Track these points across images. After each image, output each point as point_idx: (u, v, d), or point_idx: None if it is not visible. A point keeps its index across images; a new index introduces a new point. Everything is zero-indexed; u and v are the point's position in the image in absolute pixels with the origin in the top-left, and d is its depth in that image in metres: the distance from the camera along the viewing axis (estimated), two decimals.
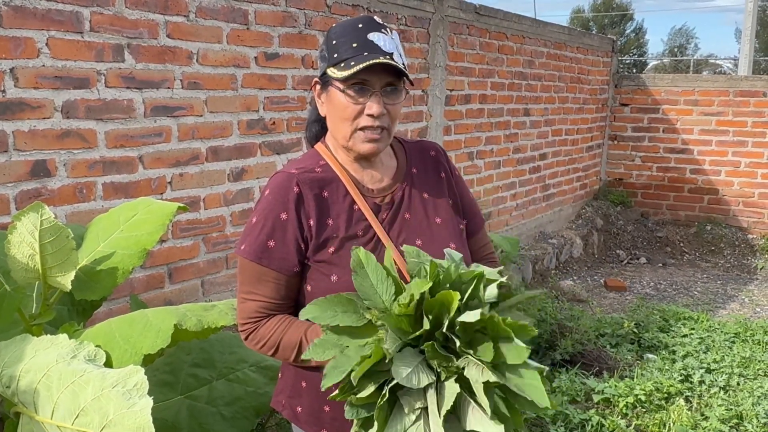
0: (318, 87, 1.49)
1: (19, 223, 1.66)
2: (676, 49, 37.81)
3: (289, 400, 1.58)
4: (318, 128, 1.60)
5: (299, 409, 1.55)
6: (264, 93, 3.53)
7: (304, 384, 1.53)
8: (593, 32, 16.65)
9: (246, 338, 1.48)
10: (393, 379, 1.13)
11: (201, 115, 3.20)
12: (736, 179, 7.49)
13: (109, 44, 2.78)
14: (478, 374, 1.12)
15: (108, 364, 1.48)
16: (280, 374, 1.64)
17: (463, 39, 5.22)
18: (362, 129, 1.42)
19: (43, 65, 2.58)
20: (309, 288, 1.45)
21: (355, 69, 1.36)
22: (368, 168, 1.52)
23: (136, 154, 2.95)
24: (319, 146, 1.55)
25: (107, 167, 2.84)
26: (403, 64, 1.42)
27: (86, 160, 2.76)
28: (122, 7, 2.81)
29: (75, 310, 2.00)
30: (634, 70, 27.80)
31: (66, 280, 1.72)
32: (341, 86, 1.41)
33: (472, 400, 1.14)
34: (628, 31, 34.41)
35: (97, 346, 1.49)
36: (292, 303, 1.48)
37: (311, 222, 1.43)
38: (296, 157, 3.77)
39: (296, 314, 1.47)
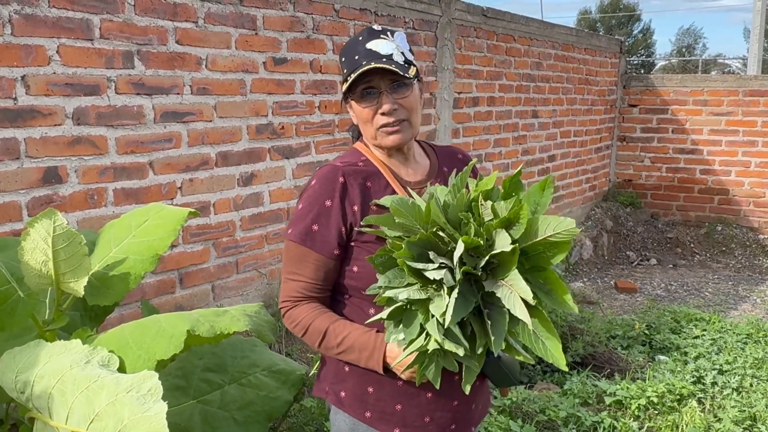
0: (344, 104, 1.67)
1: (32, 229, 1.67)
2: (684, 50, 37.68)
3: (332, 386, 1.65)
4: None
5: (343, 393, 1.63)
6: (273, 98, 3.54)
7: (347, 369, 1.61)
8: (601, 33, 16.61)
9: (283, 315, 1.61)
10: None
11: (210, 121, 3.22)
12: (746, 179, 7.45)
13: (119, 51, 2.80)
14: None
15: (122, 369, 1.48)
16: (320, 363, 1.72)
17: (470, 42, 5.22)
18: (381, 127, 1.58)
19: (54, 72, 2.60)
20: (355, 269, 1.56)
21: (350, 80, 1.55)
22: (404, 164, 1.67)
23: (147, 160, 2.96)
24: (358, 145, 1.70)
25: (118, 173, 2.85)
26: (405, 60, 1.58)
27: (97, 167, 2.78)
28: (132, 14, 2.83)
29: (88, 316, 2.01)
30: (642, 71, 27.70)
31: (79, 286, 1.73)
32: (352, 96, 1.60)
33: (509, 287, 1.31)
34: (635, 32, 34.30)
35: (110, 351, 1.50)
36: (330, 287, 1.60)
37: (355, 208, 1.55)
38: (305, 161, 3.78)
39: (334, 301, 1.63)
